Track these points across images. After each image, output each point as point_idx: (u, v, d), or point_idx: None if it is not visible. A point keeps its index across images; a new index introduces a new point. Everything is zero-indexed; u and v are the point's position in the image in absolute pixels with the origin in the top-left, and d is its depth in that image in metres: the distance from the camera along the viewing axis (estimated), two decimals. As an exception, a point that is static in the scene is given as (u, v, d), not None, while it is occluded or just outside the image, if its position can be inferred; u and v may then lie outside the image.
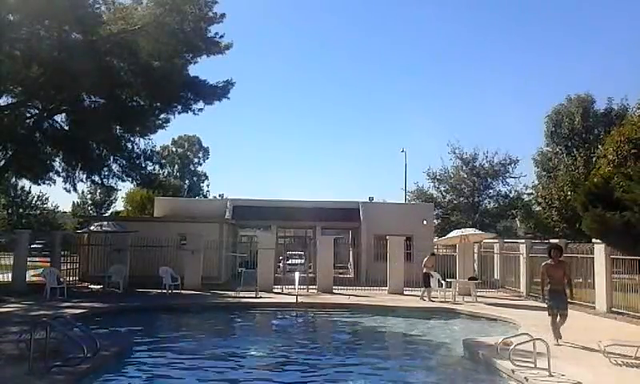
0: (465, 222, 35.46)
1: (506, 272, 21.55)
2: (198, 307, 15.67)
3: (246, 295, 16.94)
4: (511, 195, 38.40)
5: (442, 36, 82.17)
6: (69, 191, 22.93)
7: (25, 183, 40.38)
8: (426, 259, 17.97)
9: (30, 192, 49.27)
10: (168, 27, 18.69)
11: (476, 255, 21.86)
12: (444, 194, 39.67)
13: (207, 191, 64.29)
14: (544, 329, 9.92)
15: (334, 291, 18.94)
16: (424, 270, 17.63)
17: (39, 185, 26.87)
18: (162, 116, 22.16)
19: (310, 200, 27.62)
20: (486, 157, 38.41)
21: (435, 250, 21.15)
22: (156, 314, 14.68)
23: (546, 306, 10.04)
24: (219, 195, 52.98)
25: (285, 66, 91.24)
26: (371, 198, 32.01)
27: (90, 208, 55.12)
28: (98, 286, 18.66)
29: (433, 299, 17.18)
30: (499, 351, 8.21)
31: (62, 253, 20.11)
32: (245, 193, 76.13)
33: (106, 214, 49.28)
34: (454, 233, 20.59)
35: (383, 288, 19.33)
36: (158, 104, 21.15)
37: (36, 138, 20.24)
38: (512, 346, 7.85)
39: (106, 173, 22.37)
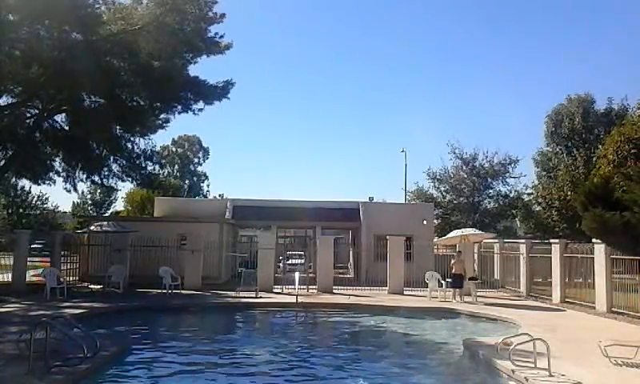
0: (465, 222, 35.42)
1: (505, 272, 21.56)
2: (198, 307, 15.69)
3: (246, 295, 16.95)
4: (511, 195, 38.35)
5: (443, 36, 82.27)
6: (69, 191, 22.95)
7: (25, 183, 40.32)
8: (453, 261, 17.85)
9: (30, 192, 49.26)
10: (168, 27, 18.67)
11: (476, 255, 21.86)
12: (444, 194, 39.62)
13: (207, 191, 64.44)
14: (544, 329, 9.93)
15: (334, 291, 18.94)
16: (452, 270, 17.59)
17: (39, 185, 26.84)
18: (162, 116, 22.14)
19: (310, 200, 27.56)
20: (486, 157, 38.39)
21: (436, 249, 21.08)
22: (156, 314, 14.68)
23: None
24: (219, 195, 53.04)
25: (285, 65, 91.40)
26: (371, 198, 31.98)
27: (90, 208, 55.12)
28: (98, 286, 18.64)
29: (460, 300, 16.97)
30: (499, 351, 8.21)
31: (62, 253, 20.11)
32: (245, 193, 76.41)
33: (106, 214, 49.27)
34: (454, 233, 20.59)
35: (383, 288, 19.33)
36: (158, 104, 21.13)
37: (36, 138, 20.23)
38: (512, 346, 7.86)
39: (106, 173, 22.35)
